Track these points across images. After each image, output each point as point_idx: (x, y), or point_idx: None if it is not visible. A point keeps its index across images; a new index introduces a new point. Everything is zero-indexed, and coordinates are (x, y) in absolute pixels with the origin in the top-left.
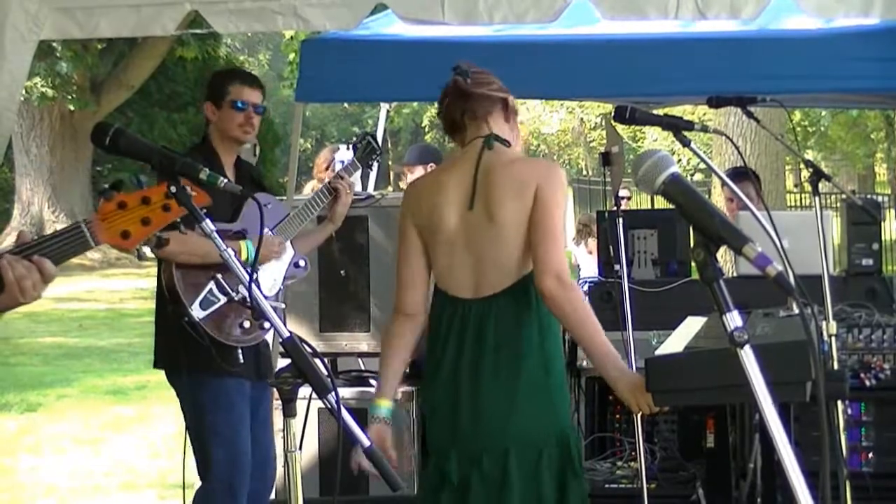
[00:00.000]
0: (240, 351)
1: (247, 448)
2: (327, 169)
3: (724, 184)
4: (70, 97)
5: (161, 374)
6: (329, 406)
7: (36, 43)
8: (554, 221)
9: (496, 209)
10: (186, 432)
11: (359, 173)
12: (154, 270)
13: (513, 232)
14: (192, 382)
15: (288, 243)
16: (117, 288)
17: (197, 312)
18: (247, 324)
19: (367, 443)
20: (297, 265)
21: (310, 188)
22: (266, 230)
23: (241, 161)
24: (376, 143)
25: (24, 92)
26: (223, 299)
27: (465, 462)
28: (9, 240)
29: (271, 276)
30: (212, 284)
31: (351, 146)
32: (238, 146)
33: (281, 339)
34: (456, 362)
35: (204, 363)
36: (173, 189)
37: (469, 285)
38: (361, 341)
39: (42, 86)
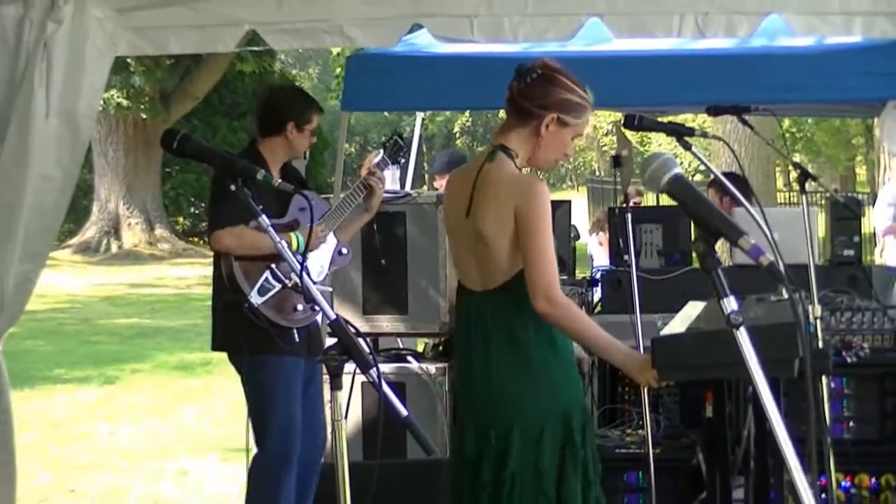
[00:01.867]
0: (295, 331)
1: (299, 418)
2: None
3: (716, 182)
4: (142, 107)
5: (223, 353)
6: (371, 380)
7: (112, 58)
8: (536, 241)
9: (482, 223)
10: (247, 404)
11: (397, 174)
12: None
13: (498, 242)
14: (252, 361)
15: (331, 234)
16: (184, 275)
17: (255, 299)
18: (300, 307)
19: (404, 412)
20: (340, 253)
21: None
22: (329, 229)
23: (286, 164)
24: (402, 140)
25: (102, 102)
26: (278, 286)
27: (479, 436)
28: (88, 233)
29: (318, 264)
30: (267, 273)
31: (381, 145)
32: (281, 159)
33: (328, 321)
34: (468, 346)
35: (263, 344)
36: (233, 188)
37: (475, 279)
38: (399, 323)
39: (118, 97)
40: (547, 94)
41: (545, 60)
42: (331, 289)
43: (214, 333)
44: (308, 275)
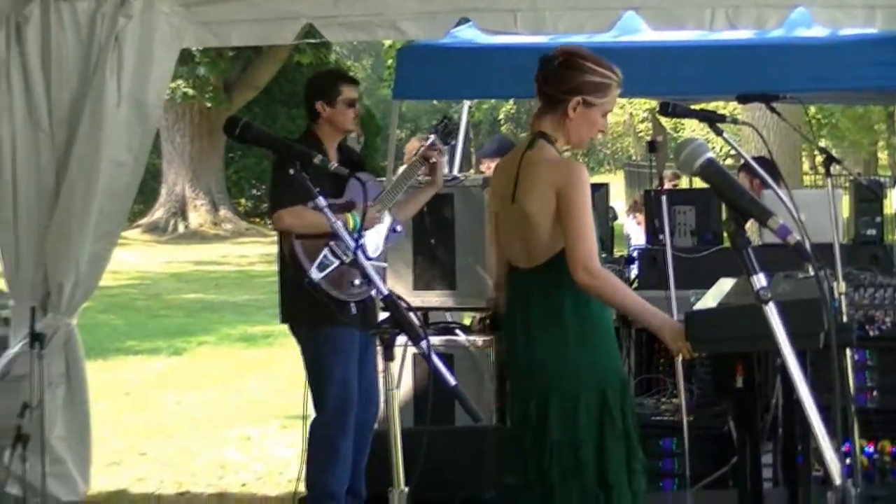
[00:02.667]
0: (352, 305)
1: (354, 386)
2: (416, 155)
3: (747, 166)
4: (207, 96)
5: (283, 325)
6: (421, 351)
7: (178, 50)
8: (577, 218)
9: (527, 205)
10: (306, 373)
11: (445, 158)
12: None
13: (541, 222)
14: (311, 333)
15: (386, 212)
16: (246, 253)
17: (315, 274)
18: (357, 281)
19: (452, 382)
20: (394, 230)
21: (401, 171)
22: (384, 207)
23: (343, 147)
24: (452, 123)
25: (168, 92)
26: (336, 262)
27: (521, 405)
28: (157, 214)
29: (374, 241)
30: (326, 250)
31: (433, 129)
32: (341, 135)
33: (381, 296)
34: (513, 320)
35: (322, 316)
36: (292, 172)
37: (521, 257)
38: (448, 297)
39: (184, 87)
40: (569, 79)
41: (565, 47)
42: (386, 264)
43: (280, 307)
44: (364, 252)
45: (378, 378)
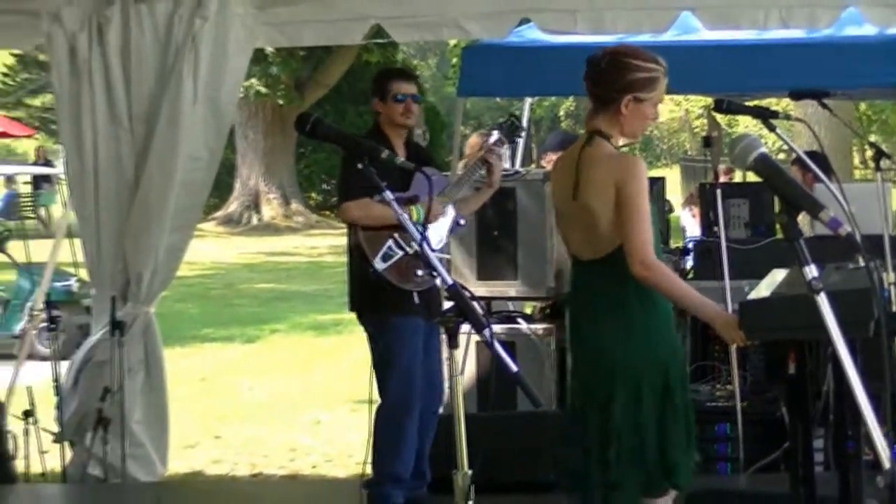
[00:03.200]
0: (415, 294)
1: (419, 373)
2: (480, 150)
3: (799, 160)
4: (279, 94)
5: (352, 314)
6: (484, 339)
7: (252, 50)
8: (634, 213)
9: (588, 201)
10: (372, 361)
11: (508, 153)
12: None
13: (603, 218)
14: (377, 321)
15: (450, 206)
16: (316, 245)
17: (379, 265)
18: (420, 272)
19: (514, 368)
20: (458, 224)
21: (461, 166)
22: (449, 200)
23: (410, 142)
24: (519, 122)
25: (242, 90)
26: (400, 253)
27: (586, 392)
28: (231, 207)
29: (438, 234)
30: (390, 242)
31: (498, 126)
32: (404, 131)
33: (446, 286)
34: (578, 310)
35: (387, 306)
36: (360, 166)
37: (584, 250)
38: (511, 287)
39: (257, 85)
40: (618, 79)
41: (609, 48)
42: (448, 256)
43: (349, 296)
44: (428, 243)
45: (442, 365)
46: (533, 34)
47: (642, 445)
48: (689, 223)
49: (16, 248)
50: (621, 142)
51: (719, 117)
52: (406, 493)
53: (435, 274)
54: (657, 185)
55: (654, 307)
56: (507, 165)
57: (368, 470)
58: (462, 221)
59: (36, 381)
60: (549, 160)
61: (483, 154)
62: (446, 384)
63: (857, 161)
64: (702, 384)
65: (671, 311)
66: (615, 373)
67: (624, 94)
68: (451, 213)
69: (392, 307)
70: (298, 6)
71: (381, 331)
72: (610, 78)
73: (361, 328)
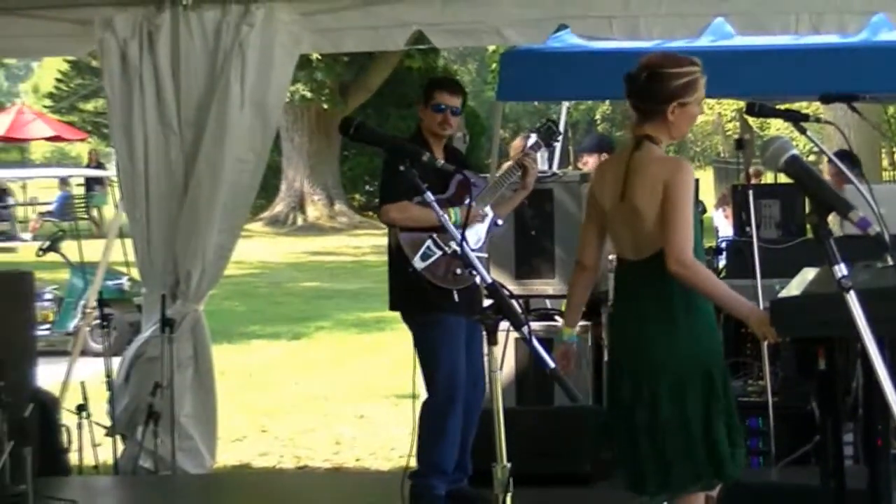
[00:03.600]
0: (455, 293)
1: (462, 369)
2: (522, 152)
3: (830, 161)
4: (323, 98)
5: (394, 311)
6: (523, 336)
7: (297, 56)
8: (677, 213)
9: (637, 202)
10: (416, 357)
11: (546, 155)
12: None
13: (649, 217)
14: (419, 319)
15: (487, 207)
16: (360, 245)
17: (418, 264)
18: (458, 271)
19: (551, 364)
20: (495, 224)
21: (505, 168)
22: (485, 204)
23: (448, 148)
24: (556, 126)
25: (288, 94)
26: (438, 253)
27: (633, 386)
28: (277, 208)
29: (476, 234)
30: (429, 242)
31: (535, 130)
32: (441, 140)
33: (485, 284)
34: (623, 308)
35: (427, 304)
36: (402, 168)
37: (630, 250)
38: (548, 286)
39: (302, 90)
40: (660, 91)
41: (644, 61)
42: (486, 255)
43: (389, 296)
44: (466, 243)
45: (484, 361)
46: (570, 40)
47: (689, 440)
48: (722, 223)
49: (69, 248)
50: (668, 145)
51: (751, 120)
52: (448, 486)
53: (474, 273)
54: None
55: (696, 308)
56: (544, 167)
57: (412, 463)
58: (499, 222)
59: (89, 376)
60: (585, 162)
61: (520, 159)
62: (488, 379)
63: (885, 163)
64: (734, 379)
65: (713, 312)
66: (659, 371)
67: (669, 104)
68: (488, 214)
69: (433, 305)
70: (342, 13)
71: (424, 328)
72: (652, 92)
73: (403, 325)
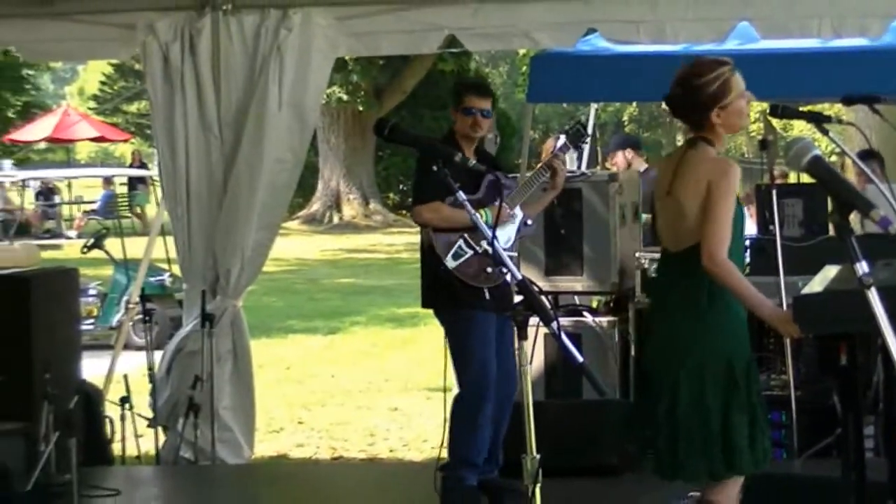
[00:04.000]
0: (486, 290)
1: (493, 364)
2: (551, 153)
3: (854, 163)
4: (359, 100)
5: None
6: (552, 331)
7: (333, 59)
8: (716, 212)
9: (682, 198)
10: (449, 352)
11: (574, 155)
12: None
13: (691, 213)
14: (451, 316)
15: (517, 208)
16: (394, 242)
17: (450, 263)
18: (489, 269)
19: (580, 359)
20: (525, 224)
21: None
22: (516, 204)
23: (479, 150)
24: (584, 128)
25: (324, 97)
26: (470, 252)
27: (655, 377)
28: (314, 207)
29: (506, 234)
30: (461, 241)
31: (564, 132)
32: (472, 141)
33: (515, 281)
34: (657, 297)
35: (459, 301)
36: (435, 168)
37: (670, 241)
38: (577, 282)
39: (339, 92)
40: (697, 102)
41: (676, 77)
42: (516, 254)
43: (422, 293)
44: (497, 242)
45: (513, 356)
46: (598, 43)
47: (706, 432)
48: (746, 222)
49: (113, 246)
50: (724, 146)
51: (775, 122)
52: (479, 477)
53: (505, 270)
54: None
55: (725, 305)
56: (573, 168)
57: (444, 454)
58: (529, 222)
59: (131, 369)
60: (615, 161)
61: (549, 160)
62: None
63: None
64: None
65: (743, 311)
66: (681, 362)
67: (709, 111)
68: (519, 213)
69: (464, 303)
70: (377, 17)
71: (456, 325)
72: (690, 104)
73: (436, 321)
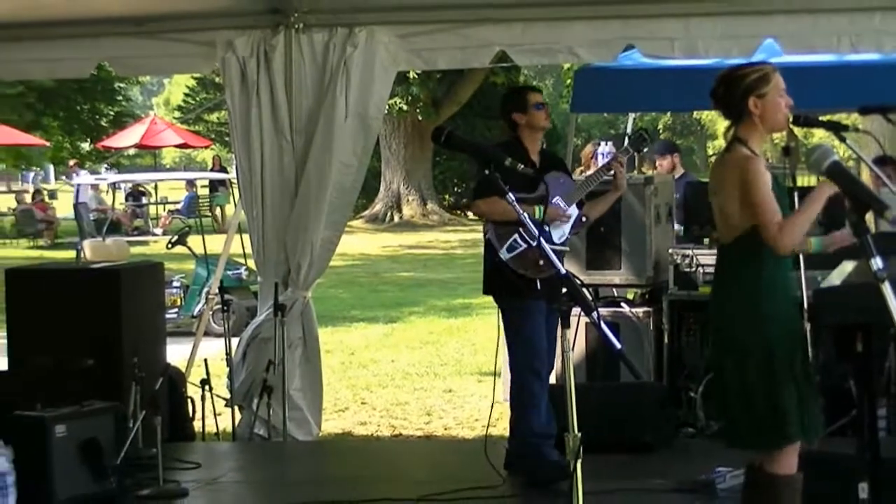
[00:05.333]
0: (537, 281)
1: (543, 347)
2: (592, 158)
3: (869, 168)
4: (418, 110)
5: (479, 297)
6: (593, 321)
7: (395, 73)
8: (756, 197)
9: (721, 196)
10: (503, 335)
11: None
12: (475, 229)
13: (733, 209)
14: (507, 303)
15: (573, 207)
16: (449, 239)
17: (504, 255)
18: (541, 262)
19: (618, 346)
20: (581, 220)
21: (577, 173)
22: (558, 200)
23: (542, 150)
24: (648, 135)
25: (387, 107)
26: (523, 245)
27: (710, 358)
28: (377, 207)
29: (561, 231)
30: (516, 235)
31: (627, 137)
32: (541, 135)
33: (558, 275)
34: (714, 282)
35: (513, 289)
36: (486, 172)
37: (722, 234)
38: (616, 276)
39: (400, 103)
40: (736, 90)
41: (719, 75)
42: (567, 249)
43: (483, 280)
44: (548, 239)
45: (556, 343)
46: (636, 58)
47: (750, 407)
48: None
49: (195, 242)
50: (764, 145)
51: (796, 130)
52: (539, 448)
53: (542, 264)
54: None
55: (763, 288)
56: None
57: (493, 431)
58: (584, 219)
59: (211, 354)
60: (660, 164)
61: (608, 163)
62: (557, 359)
63: None
64: None
65: (792, 298)
66: (724, 344)
67: (746, 99)
68: (575, 211)
69: (517, 291)
70: (434, 35)
71: (509, 311)
72: (730, 93)
73: (487, 311)
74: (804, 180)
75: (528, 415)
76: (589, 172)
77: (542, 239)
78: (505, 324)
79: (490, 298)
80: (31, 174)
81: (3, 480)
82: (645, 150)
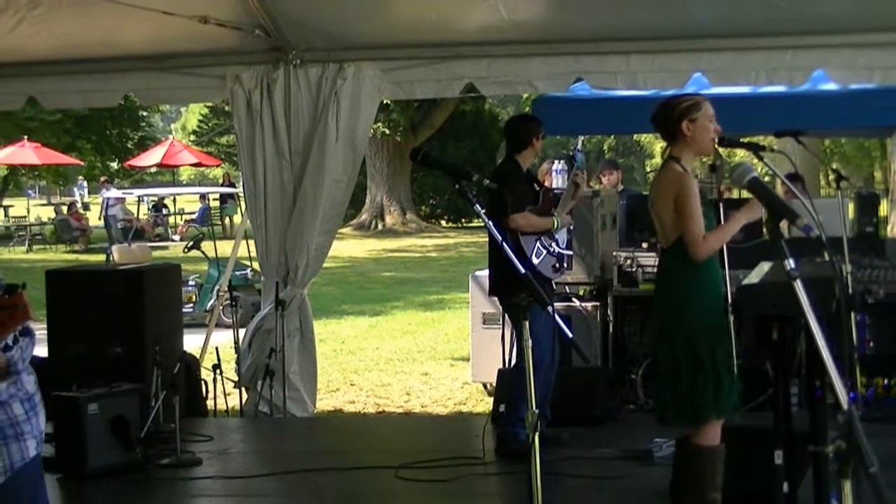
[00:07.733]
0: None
1: (545, 340)
2: (547, 174)
3: (783, 182)
4: (398, 133)
5: (451, 293)
6: (548, 313)
7: (379, 101)
8: (686, 210)
9: (659, 209)
10: (510, 333)
11: (566, 176)
12: (447, 235)
13: (668, 218)
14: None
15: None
16: (426, 244)
17: (534, 261)
18: (556, 265)
19: (570, 335)
20: (570, 228)
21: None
22: (564, 211)
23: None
24: (573, 157)
25: (371, 131)
26: (545, 251)
27: (654, 344)
28: (363, 216)
29: (563, 236)
30: (536, 243)
31: (564, 157)
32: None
33: (518, 274)
34: (656, 281)
35: (537, 296)
36: (457, 186)
37: (661, 240)
38: (567, 275)
39: (382, 127)
40: (670, 115)
41: (657, 103)
42: (570, 252)
43: (491, 284)
44: (560, 244)
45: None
46: (586, 89)
47: (675, 386)
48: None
49: (208, 247)
50: (694, 163)
51: (721, 150)
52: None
53: (558, 266)
54: None
55: (689, 289)
56: (563, 185)
57: (463, 409)
58: (571, 227)
59: (221, 343)
60: (606, 179)
61: (574, 178)
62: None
63: (823, 182)
64: None
65: (711, 296)
66: (660, 333)
67: (680, 122)
68: (568, 220)
69: (539, 296)
70: (412, 69)
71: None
72: (666, 118)
73: (458, 305)
74: (732, 194)
75: (522, 403)
76: (564, 186)
77: (557, 243)
78: (530, 324)
79: (458, 294)
80: (76, 187)
81: (32, 401)
82: (572, 168)
